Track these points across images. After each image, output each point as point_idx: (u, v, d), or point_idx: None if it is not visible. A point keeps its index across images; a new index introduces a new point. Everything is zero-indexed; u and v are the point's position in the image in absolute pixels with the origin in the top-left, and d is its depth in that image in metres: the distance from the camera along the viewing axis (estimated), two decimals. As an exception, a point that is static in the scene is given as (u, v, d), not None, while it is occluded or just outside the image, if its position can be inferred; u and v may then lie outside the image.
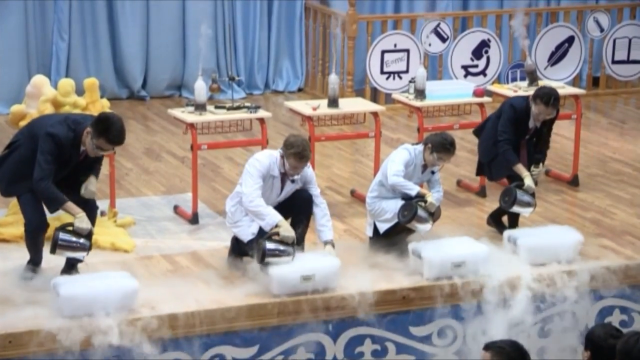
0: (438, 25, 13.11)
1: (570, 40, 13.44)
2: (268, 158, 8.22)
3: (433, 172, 8.73)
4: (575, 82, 13.36)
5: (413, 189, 8.47)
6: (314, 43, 13.79)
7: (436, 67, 13.44)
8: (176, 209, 9.68)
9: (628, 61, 13.86)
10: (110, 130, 7.72)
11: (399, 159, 8.57)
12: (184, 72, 13.27)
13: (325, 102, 9.94)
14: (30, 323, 7.40)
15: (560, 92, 10.70)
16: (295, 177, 8.26)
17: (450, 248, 8.42)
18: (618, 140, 12.11)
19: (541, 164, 9.43)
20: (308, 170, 8.38)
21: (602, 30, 13.72)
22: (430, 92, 10.12)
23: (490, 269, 8.35)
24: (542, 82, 10.72)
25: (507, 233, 8.72)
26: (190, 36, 12.87)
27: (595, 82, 14.16)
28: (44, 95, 8.68)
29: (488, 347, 5.87)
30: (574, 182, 10.52)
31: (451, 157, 8.63)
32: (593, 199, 10.17)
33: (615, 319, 8.62)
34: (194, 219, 9.41)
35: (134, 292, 7.63)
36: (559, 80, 12.17)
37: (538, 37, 13.43)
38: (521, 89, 10.51)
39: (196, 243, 8.95)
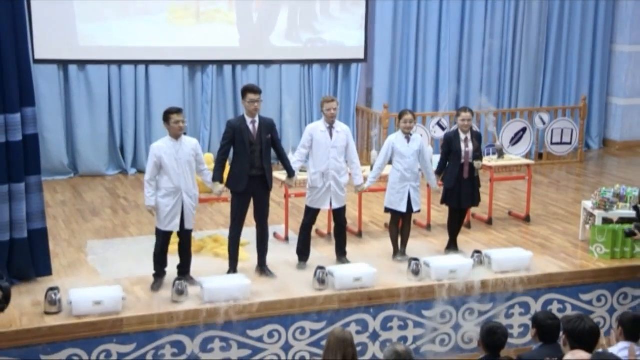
0: (440, 120, 13.05)
1: (524, 129, 13.29)
2: (314, 124, 8.39)
3: (411, 136, 8.55)
4: (527, 156, 13.18)
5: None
6: (362, 130, 13.80)
7: (438, 148, 13.29)
8: (275, 234, 9.67)
9: (561, 143, 13.71)
10: (248, 87, 7.82)
11: (378, 160, 8.71)
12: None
13: (368, 167, 9.91)
14: (183, 305, 7.46)
15: (517, 162, 10.65)
16: (338, 129, 8.24)
17: (447, 261, 8.34)
18: (555, 193, 11.92)
19: (480, 161, 8.93)
20: (349, 134, 8.34)
21: (544, 123, 13.57)
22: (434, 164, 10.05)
23: (473, 274, 8.25)
24: (507, 156, 10.60)
25: (485, 252, 8.58)
26: (285, 124, 12.74)
27: (540, 156, 13.99)
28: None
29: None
30: (527, 219, 10.35)
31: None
32: (539, 230, 10.00)
33: (554, 307, 8.45)
34: (286, 240, 9.39)
35: (247, 286, 7.63)
36: (517, 155, 12.03)
37: (503, 128, 13.31)
38: (492, 160, 10.43)
39: (288, 256, 8.89)
